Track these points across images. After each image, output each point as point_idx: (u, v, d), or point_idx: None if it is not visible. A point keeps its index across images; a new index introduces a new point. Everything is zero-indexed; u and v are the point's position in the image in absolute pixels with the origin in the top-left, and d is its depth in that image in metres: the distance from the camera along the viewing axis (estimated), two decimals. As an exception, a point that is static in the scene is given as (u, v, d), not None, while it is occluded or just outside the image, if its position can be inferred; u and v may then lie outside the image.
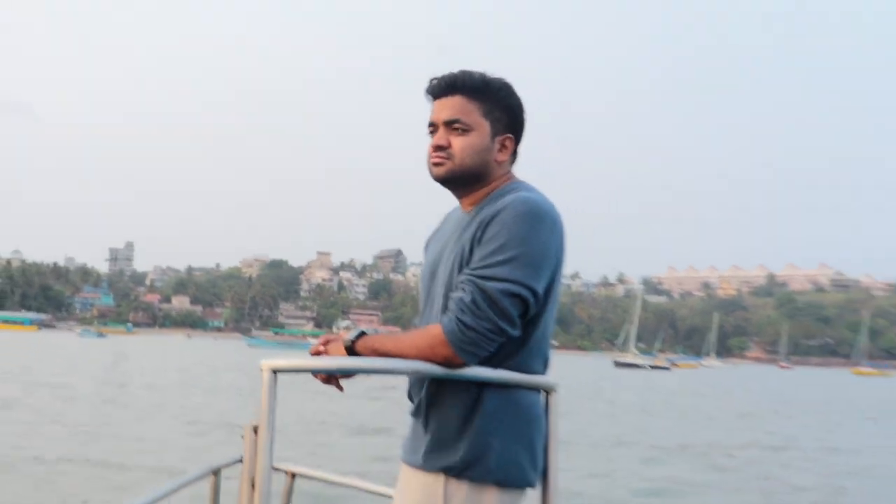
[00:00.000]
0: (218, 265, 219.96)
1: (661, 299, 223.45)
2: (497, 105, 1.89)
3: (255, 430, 1.70)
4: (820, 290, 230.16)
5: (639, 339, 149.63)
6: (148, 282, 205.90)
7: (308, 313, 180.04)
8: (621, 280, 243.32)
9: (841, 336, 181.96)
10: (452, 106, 1.86)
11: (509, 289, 1.70)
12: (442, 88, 1.88)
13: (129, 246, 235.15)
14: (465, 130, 1.85)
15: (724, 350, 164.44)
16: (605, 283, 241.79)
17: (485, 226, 1.80)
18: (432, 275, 1.98)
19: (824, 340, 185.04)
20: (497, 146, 1.88)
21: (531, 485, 1.85)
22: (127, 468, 13.68)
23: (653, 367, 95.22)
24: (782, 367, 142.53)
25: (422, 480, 1.84)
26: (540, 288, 1.75)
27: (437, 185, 1.93)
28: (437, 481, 1.80)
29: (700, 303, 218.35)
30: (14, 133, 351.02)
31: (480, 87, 1.87)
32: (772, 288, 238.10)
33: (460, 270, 1.81)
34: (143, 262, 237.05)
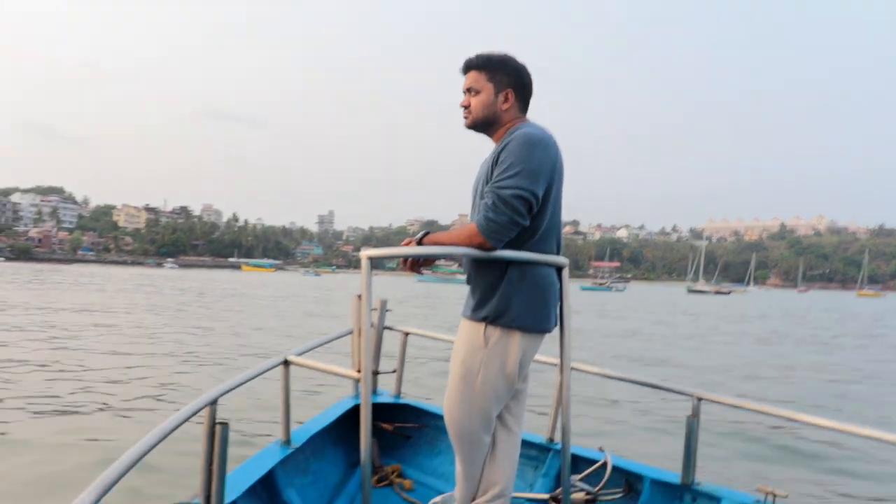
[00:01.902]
0: (390, 224, 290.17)
1: (704, 243, 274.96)
2: (498, 71, 2.67)
3: (360, 297, 2.46)
4: (818, 234, 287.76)
5: (690, 272, 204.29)
6: (344, 237, 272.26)
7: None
8: (674, 230, 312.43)
9: (835, 268, 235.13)
10: (469, 78, 2.72)
11: (517, 193, 2.44)
12: (464, 68, 2.73)
13: (331, 213, 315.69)
14: (477, 92, 2.69)
15: (751, 279, 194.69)
16: (663, 232, 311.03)
17: (499, 153, 2.56)
18: (475, 189, 2.76)
19: (824, 271, 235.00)
20: (501, 99, 2.67)
21: (547, 331, 2.69)
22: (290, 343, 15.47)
23: (716, 293, 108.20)
24: (800, 291, 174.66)
25: (470, 327, 2.68)
26: (539, 191, 2.50)
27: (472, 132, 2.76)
28: (479, 327, 2.65)
29: (732, 245, 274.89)
30: (250, 138, 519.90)
31: (484, 62, 2.68)
32: (783, 233, 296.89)
33: (486, 185, 2.58)
34: (340, 224, 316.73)
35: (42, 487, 5.41)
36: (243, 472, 2.83)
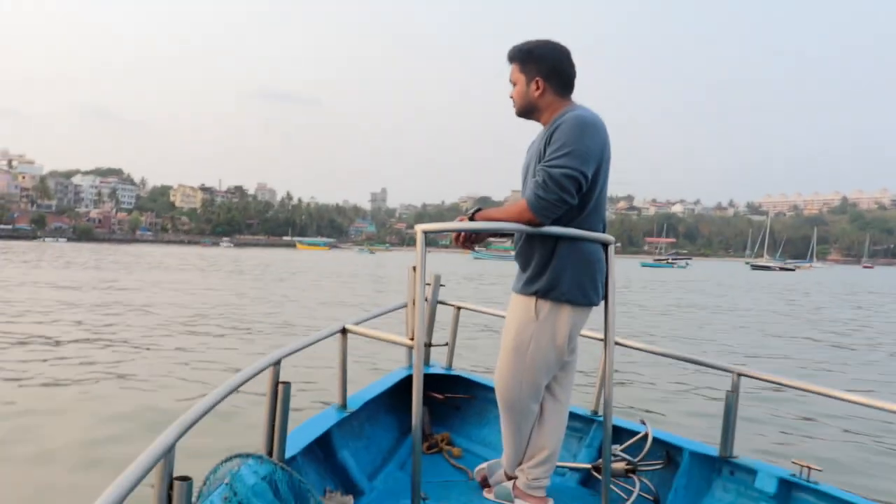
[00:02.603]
0: (443, 201, 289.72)
1: (762, 218, 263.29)
2: (527, 61, 2.81)
3: (414, 269, 2.63)
4: (882, 208, 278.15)
5: (749, 247, 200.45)
6: (397, 215, 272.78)
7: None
8: (731, 204, 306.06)
9: None
10: (510, 71, 2.88)
11: (567, 172, 2.55)
12: (507, 59, 2.88)
13: (384, 191, 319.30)
14: (515, 84, 2.87)
15: (811, 255, 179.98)
16: (719, 207, 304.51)
17: (550, 135, 2.67)
18: (525, 168, 2.90)
19: (888, 246, 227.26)
20: (533, 88, 2.80)
21: (594, 304, 2.83)
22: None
23: (781, 269, 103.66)
24: (865, 266, 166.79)
25: (521, 301, 2.82)
26: (589, 172, 2.60)
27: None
28: (530, 301, 2.78)
29: (790, 220, 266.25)
30: (303, 117, 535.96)
31: (516, 53, 2.84)
32: (845, 207, 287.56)
33: (538, 163, 2.68)
34: (392, 201, 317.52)
35: (146, 413, 7.24)
36: (302, 431, 2.98)
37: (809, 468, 2.90)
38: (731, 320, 20.41)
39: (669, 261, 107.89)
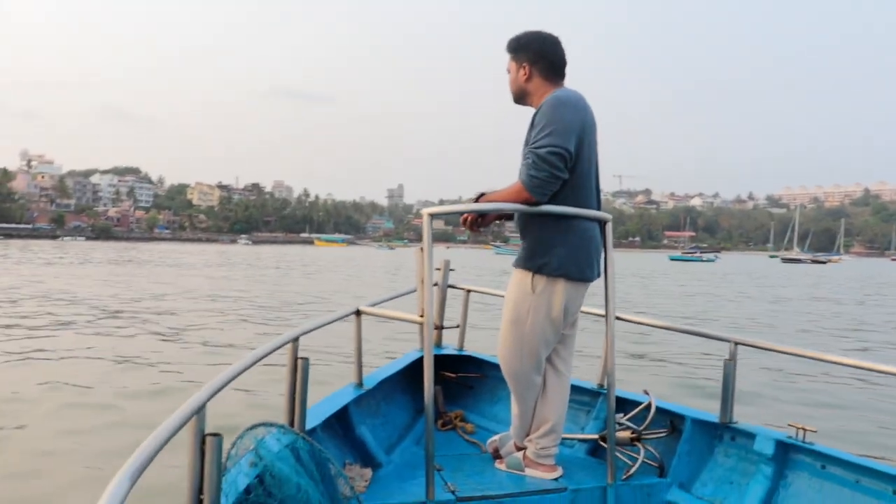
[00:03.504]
0: (460, 197, 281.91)
1: (782, 211, 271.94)
2: (517, 50, 3.02)
3: (422, 250, 2.81)
4: None
5: (770, 239, 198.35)
6: (414, 210, 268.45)
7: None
8: (750, 197, 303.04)
9: None
10: (507, 61, 3.10)
11: (552, 150, 2.70)
12: (506, 51, 3.09)
13: (401, 187, 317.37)
14: (508, 72, 3.08)
15: (832, 247, 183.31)
16: (738, 200, 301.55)
17: (533, 118, 2.86)
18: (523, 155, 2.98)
19: None
20: (521, 74, 3.00)
21: (589, 279, 2.97)
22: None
23: (813, 262, 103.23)
24: (893, 259, 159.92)
25: (519, 275, 2.98)
26: (571, 146, 2.75)
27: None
28: (527, 275, 2.93)
29: (812, 213, 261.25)
30: (319, 114, 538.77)
31: (508, 44, 3.05)
32: (867, 199, 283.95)
33: (525, 147, 2.86)
34: (409, 197, 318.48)
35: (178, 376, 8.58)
36: (321, 406, 3.11)
37: (805, 430, 3.02)
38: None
39: (698, 254, 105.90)
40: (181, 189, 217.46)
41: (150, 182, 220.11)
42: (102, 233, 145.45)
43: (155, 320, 13.98)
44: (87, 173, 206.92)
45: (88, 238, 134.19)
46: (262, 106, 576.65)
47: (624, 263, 68.48)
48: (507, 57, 3.09)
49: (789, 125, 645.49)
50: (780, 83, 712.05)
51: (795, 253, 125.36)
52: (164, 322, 13.75)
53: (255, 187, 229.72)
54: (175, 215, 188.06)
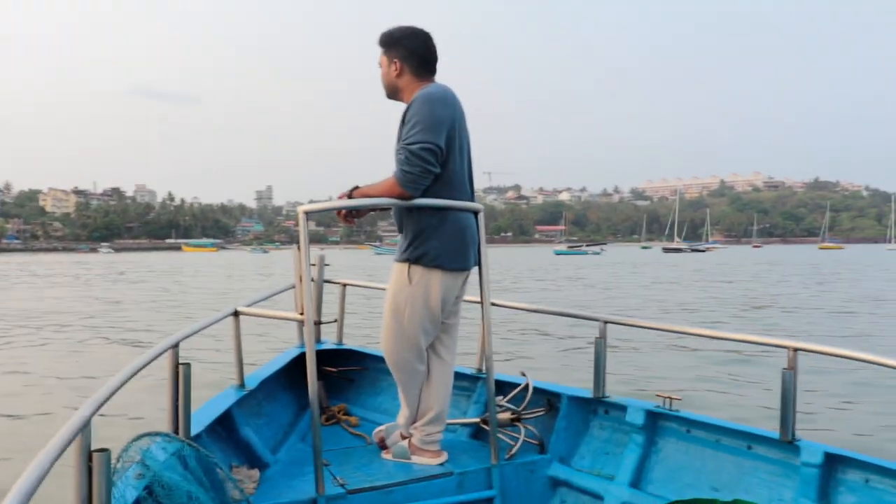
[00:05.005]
0: (330, 196, 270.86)
1: (646, 203, 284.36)
2: (389, 45, 3.05)
3: (298, 248, 2.96)
4: (757, 190, 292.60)
5: (636, 231, 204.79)
6: (284, 212, 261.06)
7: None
8: (616, 190, 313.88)
9: (775, 222, 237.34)
10: (378, 55, 3.13)
11: (423, 146, 2.78)
12: (378, 45, 3.10)
13: (269, 188, 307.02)
14: (380, 66, 3.11)
15: (696, 237, 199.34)
16: (605, 194, 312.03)
17: (404, 114, 2.92)
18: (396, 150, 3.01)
19: (764, 226, 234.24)
20: (392, 69, 3.04)
21: (465, 269, 3.09)
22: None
23: (692, 251, 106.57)
24: (755, 246, 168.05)
25: (397, 268, 3.06)
26: (441, 142, 2.83)
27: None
28: (404, 267, 3.02)
29: (673, 204, 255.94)
30: (182, 114, 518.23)
31: (381, 39, 3.07)
32: (723, 190, 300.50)
33: (398, 143, 2.92)
34: (279, 199, 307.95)
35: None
36: (203, 411, 3.08)
37: (671, 399, 3.17)
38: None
39: (584, 247, 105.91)
40: (32, 195, 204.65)
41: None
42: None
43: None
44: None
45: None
46: (120, 106, 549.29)
47: (507, 259, 69.07)
48: (378, 51, 3.10)
49: (647, 121, 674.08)
50: (637, 81, 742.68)
51: (676, 243, 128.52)
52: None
53: (116, 192, 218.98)
54: (26, 224, 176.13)
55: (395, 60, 3.02)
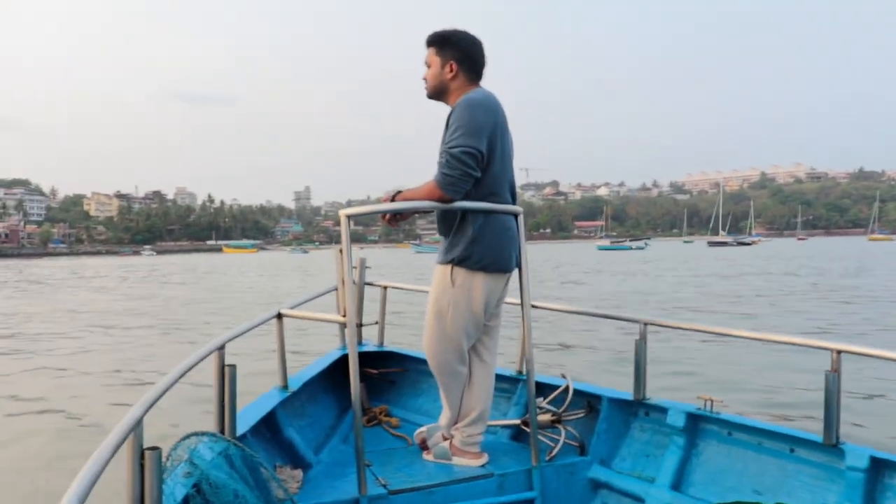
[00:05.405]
0: (368, 196, 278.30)
1: (685, 197, 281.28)
2: (445, 46, 3.05)
3: (341, 252, 2.93)
4: (798, 181, 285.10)
5: (676, 225, 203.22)
6: (322, 212, 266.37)
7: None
8: (654, 185, 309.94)
9: (818, 214, 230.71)
10: (426, 54, 3.12)
11: (464, 150, 2.82)
12: (425, 44, 3.12)
13: (308, 189, 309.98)
14: (429, 66, 3.10)
15: (737, 230, 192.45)
16: (644, 188, 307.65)
17: (448, 118, 2.96)
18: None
19: (807, 218, 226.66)
20: (447, 70, 3.06)
21: (507, 271, 3.11)
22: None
23: (738, 244, 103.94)
24: (800, 239, 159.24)
25: (440, 270, 3.09)
26: (483, 147, 2.87)
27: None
28: (447, 270, 3.05)
29: (713, 197, 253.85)
30: (220, 117, 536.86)
31: (434, 38, 3.08)
32: (764, 182, 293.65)
33: (441, 146, 2.96)
34: (317, 199, 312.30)
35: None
36: (248, 412, 3.14)
37: (713, 401, 3.17)
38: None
39: (627, 242, 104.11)
40: (77, 200, 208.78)
41: (42, 194, 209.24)
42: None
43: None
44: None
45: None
46: (159, 110, 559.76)
47: (546, 255, 68.41)
48: (427, 50, 3.11)
49: (687, 112, 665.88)
50: (676, 71, 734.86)
51: (721, 236, 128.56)
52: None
53: (157, 195, 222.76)
54: (71, 228, 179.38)
55: (452, 63, 3.04)
